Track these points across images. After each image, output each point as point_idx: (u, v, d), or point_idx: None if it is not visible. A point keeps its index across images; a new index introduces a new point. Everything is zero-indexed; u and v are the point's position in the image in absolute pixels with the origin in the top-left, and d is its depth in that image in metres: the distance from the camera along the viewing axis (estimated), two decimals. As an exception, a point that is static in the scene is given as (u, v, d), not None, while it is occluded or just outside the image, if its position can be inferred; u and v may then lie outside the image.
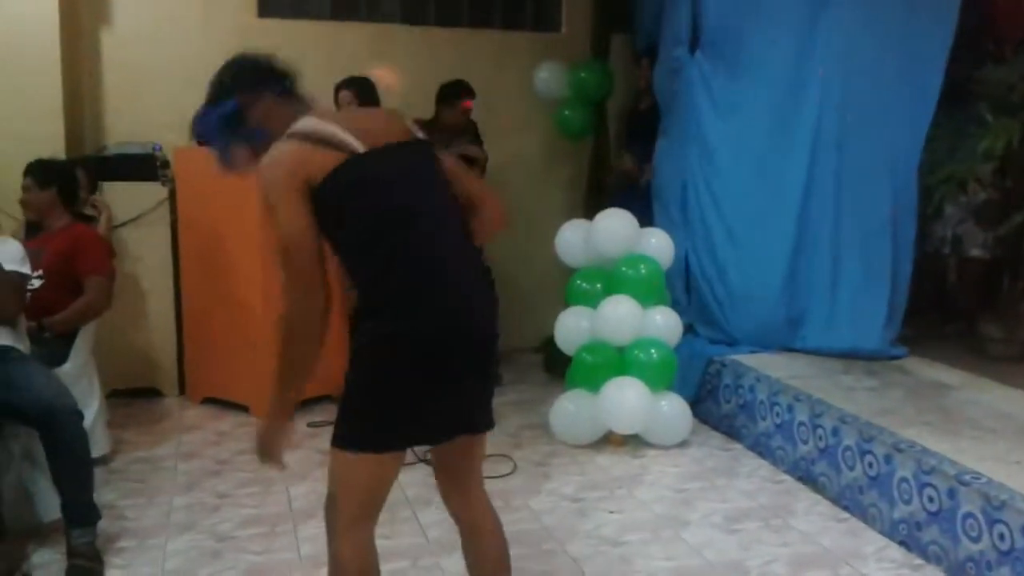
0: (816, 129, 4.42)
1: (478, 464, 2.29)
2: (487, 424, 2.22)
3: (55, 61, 4.64)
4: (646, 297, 4.18)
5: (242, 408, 4.62)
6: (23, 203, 3.96)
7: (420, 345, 1.97)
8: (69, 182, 4.00)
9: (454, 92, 5.04)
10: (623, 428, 4.08)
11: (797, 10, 4.40)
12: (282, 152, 1.99)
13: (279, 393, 2.10)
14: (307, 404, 4.62)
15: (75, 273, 3.79)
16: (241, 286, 4.52)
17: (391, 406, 2.01)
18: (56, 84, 4.64)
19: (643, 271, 4.19)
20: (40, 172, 3.92)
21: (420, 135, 2.18)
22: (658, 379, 4.11)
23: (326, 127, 2.00)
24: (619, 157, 5.56)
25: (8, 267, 3.27)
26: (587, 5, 5.91)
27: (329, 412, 4.53)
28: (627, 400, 4.02)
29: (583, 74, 5.56)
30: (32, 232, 4.00)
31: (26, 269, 3.38)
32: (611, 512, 3.46)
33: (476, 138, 5.18)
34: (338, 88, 4.71)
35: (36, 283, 3.69)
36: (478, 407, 2.18)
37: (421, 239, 2.02)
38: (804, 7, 4.38)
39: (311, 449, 4.10)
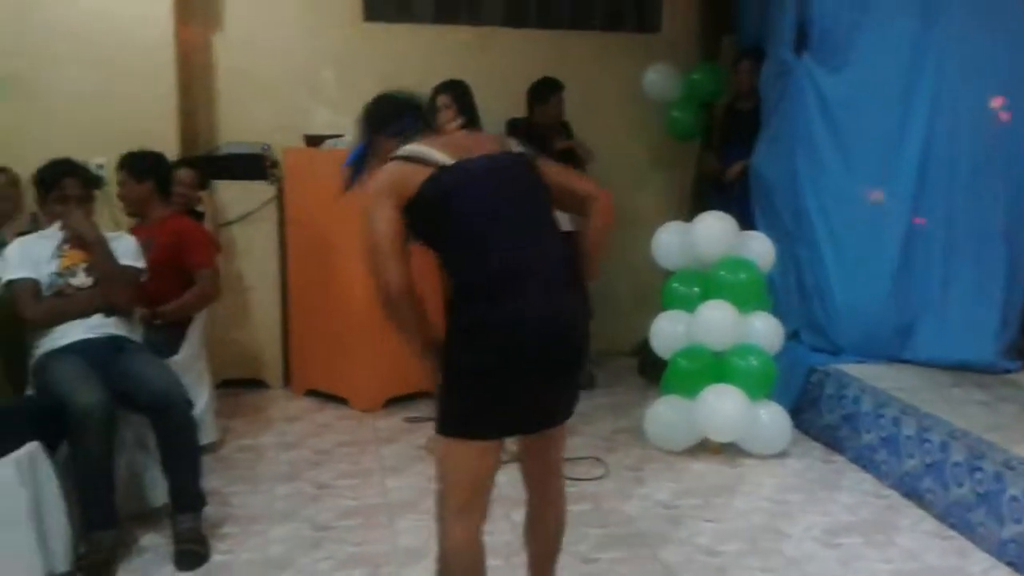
0: (928, 133, 4.28)
1: (558, 454, 2.47)
2: (565, 415, 2.37)
3: (169, 64, 4.83)
4: (745, 302, 4.11)
5: (342, 401, 4.73)
6: (121, 197, 4.01)
7: (495, 335, 2.15)
8: (164, 174, 4.06)
9: (547, 89, 5.08)
10: (720, 436, 4.03)
11: (909, 10, 4.26)
12: (383, 171, 2.30)
13: (408, 345, 2.33)
14: (405, 400, 4.73)
15: (182, 265, 3.88)
16: (344, 283, 4.63)
17: (471, 394, 2.20)
18: (171, 86, 4.83)
19: (742, 275, 4.12)
20: (134, 165, 3.94)
21: (517, 149, 2.38)
22: (757, 387, 4.04)
23: (420, 148, 2.27)
24: (704, 158, 5.48)
25: (124, 262, 3.43)
26: (689, 6, 5.85)
27: (426, 408, 4.63)
28: (724, 408, 3.96)
29: (696, 76, 5.50)
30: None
31: (141, 264, 3.53)
32: (707, 520, 3.41)
33: (569, 137, 5.18)
34: (436, 92, 4.77)
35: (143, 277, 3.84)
36: (559, 401, 2.33)
37: (502, 240, 2.21)
38: (916, 7, 4.24)
39: (407, 444, 4.18)
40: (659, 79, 5.50)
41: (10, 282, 3.26)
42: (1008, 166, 4.30)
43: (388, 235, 2.20)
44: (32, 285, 3.26)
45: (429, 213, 2.23)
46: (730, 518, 3.45)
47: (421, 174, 2.23)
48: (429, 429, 4.30)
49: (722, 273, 4.14)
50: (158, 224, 3.93)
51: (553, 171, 2.40)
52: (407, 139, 2.34)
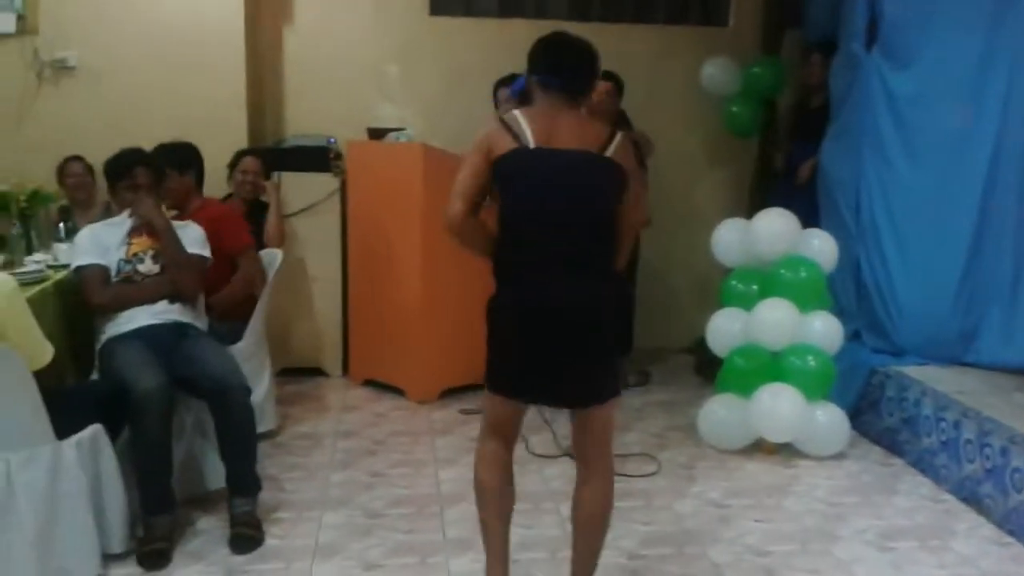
0: (999, 134, 4.15)
1: (594, 437, 2.61)
2: (589, 398, 2.53)
3: (240, 55, 4.97)
4: (805, 301, 4.06)
5: (399, 391, 4.80)
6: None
7: (511, 314, 2.50)
8: (202, 165, 4.10)
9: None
10: (775, 436, 3.98)
11: (982, 7, 4.14)
12: (488, 126, 2.55)
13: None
14: (460, 392, 4.77)
15: (222, 250, 3.88)
16: (402, 276, 4.70)
17: (494, 360, 2.59)
18: (240, 77, 4.97)
19: (803, 274, 4.06)
20: (176, 157, 3.96)
21: (607, 152, 2.49)
22: (814, 388, 3.98)
23: (518, 121, 2.49)
24: (771, 157, 5.40)
25: (191, 250, 3.53)
26: (756, 0, 5.77)
27: (480, 401, 4.67)
28: (781, 408, 3.91)
29: (756, 69, 5.42)
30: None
31: (207, 252, 3.63)
32: (757, 520, 3.38)
33: (629, 128, 5.15)
34: (497, 85, 4.81)
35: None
36: (571, 380, 2.50)
37: (538, 236, 2.45)
38: (989, 4, 4.11)
39: (461, 436, 4.22)
40: (717, 73, 5.45)
41: (79, 268, 3.39)
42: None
43: (464, 180, 2.51)
44: (100, 271, 3.38)
45: (499, 183, 2.50)
46: (781, 519, 3.42)
47: (509, 144, 2.46)
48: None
49: (782, 271, 4.08)
50: (194, 215, 3.97)
51: (630, 197, 2.54)
52: (540, 95, 2.55)
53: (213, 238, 3.82)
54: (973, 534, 3.30)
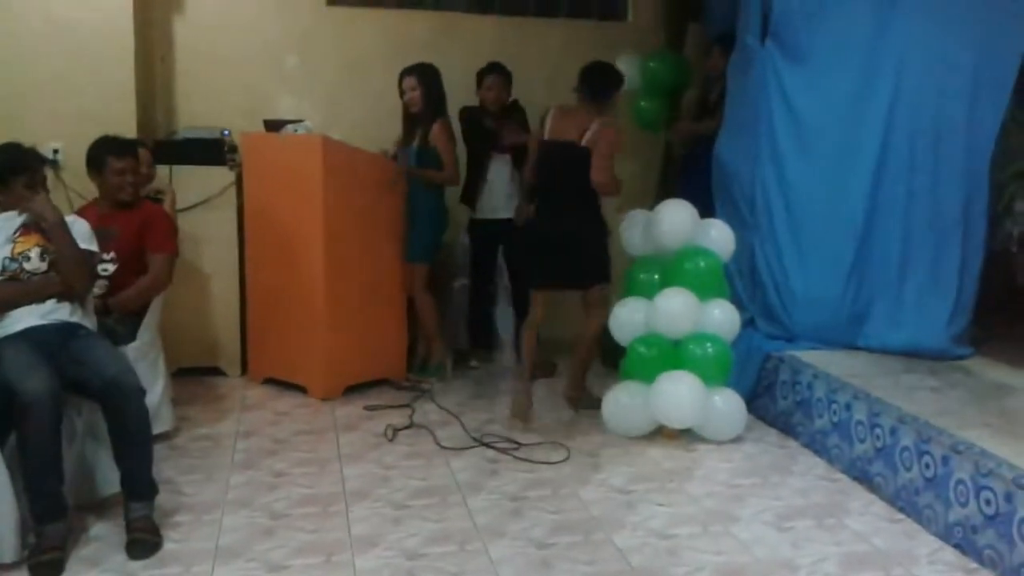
0: (887, 124, 4.31)
1: (591, 298, 4.39)
2: (588, 279, 4.34)
3: (129, 46, 4.78)
4: (703, 290, 4.15)
5: (301, 389, 4.71)
6: (128, 186, 3.89)
7: (532, 233, 4.41)
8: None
9: (482, 72, 5.13)
10: (675, 423, 4.06)
11: (869, 1, 4.29)
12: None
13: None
14: (365, 388, 4.72)
15: (141, 250, 3.87)
16: (302, 269, 4.61)
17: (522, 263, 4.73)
18: (129, 68, 4.79)
19: (702, 264, 4.15)
20: (135, 151, 3.97)
21: (580, 136, 4.20)
22: (713, 374, 4.07)
23: (550, 114, 4.35)
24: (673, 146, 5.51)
25: (84, 248, 3.39)
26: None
27: (386, 396, 4.64)
28: (680, 395, 4.00)
29: (652, 64, 5.51)
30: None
31: (93, 247, 3.49)
32: (660, 505, 3.44)
33: (524, 122, 5.18)
34: (402, 75, 4.79)
35: (111, 267, 3.80)
36: (570, 268, 4.27)
37: (549, 194, 4.33)
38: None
39: (366, 432, 4.17)
40: (624, 68, 5.50)
41: (-40, 268, 3.22)
42: (966, 156, 4.34)
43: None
44: (-20, 270, 3.22)
45: None
46: (683, 502, 3.48)
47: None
48: (389, 417, 4.32)
49: (682, 261, 4.16)
50: (129, 213, 3.92)
51: (594, 164, 4.17)
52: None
53: (139, 237, 3.81)
54: (866, 511, 3.42)
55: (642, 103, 5.59)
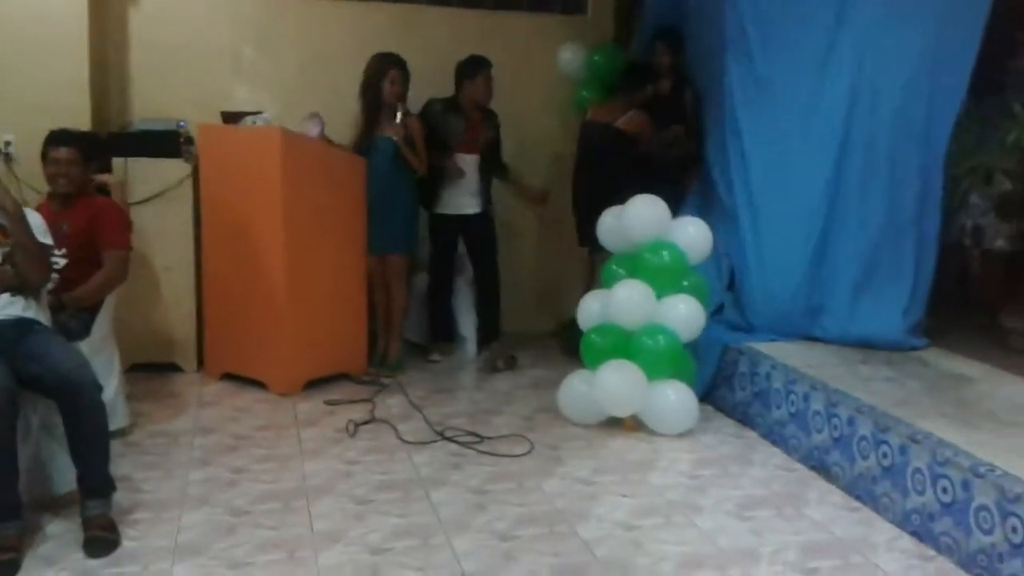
0: (846, 119, 4.35)
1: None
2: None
3: (82, 36, 4.69)
4: (665, 284, 4.17)
5: (259, 384, 4.65)
6: (66, 176, 3.79)
7: None
8: (100, 156, 4.01)
9: (476, 65, 5.06)
10: (616, 411, 4.09)
11: (826, 1, 4.35)
12: None
13: None
14: (324, 382, 4.68)
15: (97, 247, 3.81)
16: (261, 263, 4.55)
17: None
18: (83, 59, 4.70)
19: (665, 257, 4.17)
20: (86, 145, 3.88)
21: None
22: (660, 366, 4.08)
23: None
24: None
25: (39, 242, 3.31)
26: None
27: (346, 391, 4.60)
28: (617, 383, 4.02)
29: (596, 57, 5.53)
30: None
31: (48, 240, 3.42)
32: (623, 496, 3.46)
33: (495, 125, 5.17)
34: (389, 65, 4.83)
35: (61, 262, 3.72)
36: None
37: None
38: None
39: (327, 427, 4.13)
40: (571, 59, 5.54)
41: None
42: (923, 151, 4.41)
43: None
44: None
45: None
46: (646, 493, 3.50)
47: None
48: (350, 411, 4.28)
49: (646, 255, 4.19)
50: (80, 207, 3.84)
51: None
52: None
53: (89, 232, 3.75)
54: (824, 500, 3.47)
55: (583, 93, 5.60)
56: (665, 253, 4.19)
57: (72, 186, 3.83)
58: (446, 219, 5.14)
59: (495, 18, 5.72)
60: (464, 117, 5.07)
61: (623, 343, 4.14)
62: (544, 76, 5.66)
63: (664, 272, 4.18)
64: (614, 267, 4.37)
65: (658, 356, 4.07)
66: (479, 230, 5.19)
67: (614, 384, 4.02)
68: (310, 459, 3.75)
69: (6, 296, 3.21)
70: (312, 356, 4.66)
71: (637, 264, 4.23)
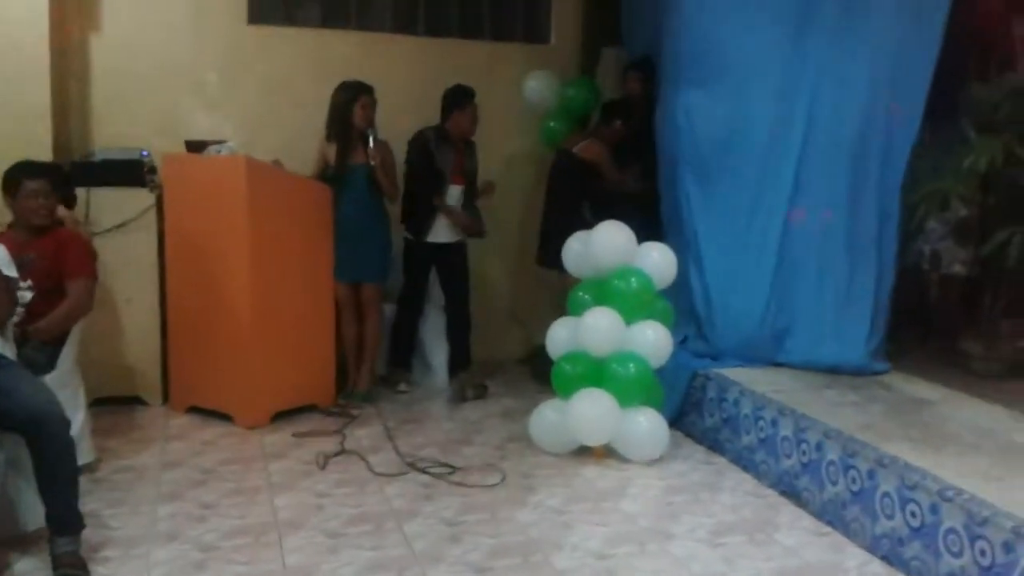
0: (802, 145, 4.45)
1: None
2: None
3: (44, 65, 4.61)
4: (633, 311, 4.19)
5: (226, 418, 4.58)
6: (45, 208, 3.76)
7: None
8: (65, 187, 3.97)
9: (466, 96, 5.05)
10: (588, 440, 4.10)
11: (782, 27, 4.41)
12: None
13: None
14: (292, 414, 4.63)
15: (63, 277, 3.75)
16: (227, 294, 4.51)
17: None
18: (44, 88, 4.62)
19: (633, 284, 4.19)
20: (57, 176, 3.87)
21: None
22: (632, 393, 4.10)
23: None
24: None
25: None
26: (576, 18, 5.94)
27: (314, 422, 4.56)
28: (590, 412, 4.03)
29: (571, 91, 5.57)
30: None
31: (12, 273, 3.36)
32: (596, 524, 3.46)
33: (473, 153, 5.18)
34: (361, 91, 4.82)
35: (28, 295, 3.66)
36: None
37: None
38: (789, 25, 4.40)
39: (296, 459, 4.09)
40: (537, 87, 5.57)
41: None
42: (880, 177, 4.51)
43: None
44: None
45: None
46: (619, 521, 3.51)
47: None
48: (319, 443, 4.25)
49: (614, 282, 4.21)
50: (45, 239, 3.79)
51: None
52: None
53: (55, 263, 3.70)
54: (795, 526, 3.51)
55: (551, 124, 5.65)
56: (633, 279, 4.22)
57: (50, 218, 3.81)
58: (422, 247, 5.11)
59: (459, 46, 5.75)
60: (452, 147, 5.07)
61: (593, 371, 4.15)
62: (508, 104, 5.70)
63: (632, 298, 4.21)
64: (581, 294, 4.40)
65: (629, 383, 4.09)
66: (454, 258, 5.17)
67: (586, 413, 4.03)
68: (280, 493, 3.71)
69: (-33, 331, 3.15)
70: (279, 388, 4.61)
71: (604, 290, 4.26)
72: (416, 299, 5.24)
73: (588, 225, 4.42)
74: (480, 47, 5.81)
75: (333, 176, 4.80)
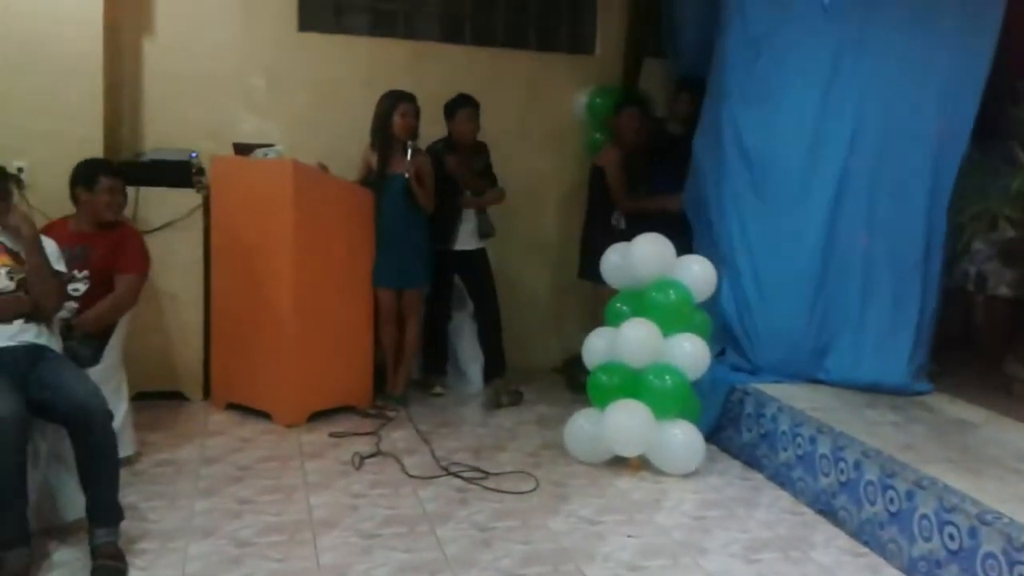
0: (847, 163, 4.41)
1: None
2: None
3: (97, 66, 4.72)
4: (671, 323, 4.18)
5: (265, 416, 4.65)
6: (119, 204, 4.02)
7: None
8: None
9: (454, 104, 5.12)
10: (623, 451, 4.09)
11: (825, 45, 4.39)
12: None
13: None
14: (330, 414, 4.68)
15: (113, 270, 3.86)
16: (270, 295, 4.57)
17: None
18: (97, 88, 4.72)
19: (672, 296, 4.19)
20: (123, 174, 4.07)
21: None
22: (668, 405, 4.08)
23: None
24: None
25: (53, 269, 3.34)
26: (620, 29, 5.95)
27: (351, 423, 4.60)
28: (626, 423, 4.02)
29: (598, 100, 5.61)
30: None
31: (62, 267, 3.46)
32: (629, 536, 3.45)
33: (488, 160, 5.21)
34: (400, 99, 4.90)
35: (82, 287, 3.76)
36: None
37: None
38: (832, 43, 4.37)
39: (332, 459, 4.13)
40: (583, 101, 5.62)
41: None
42: (927, 197, 4.45)
43: None
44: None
45: None
46: (652, 534, 3.50)
47: None
48: (355, 444, 4.28)
49: (653, 293, 4.21)
50: (107, 233, 3.93)
51: None
52: None
53: (112, 255, 3.85)
54: (830, 545, 3.46)
55: (596, 135, 5.68)
56: (672, 292, 4.21)
57: (119, 214, 4.01)
58: (443, 254, 5.15)
59: (504, 56, 5.78)
60: (458, 153, 5.11)
61: (630, 382, 4.15)
62: (551, 115, 5.72)
63: (670, 310, 4.20)
64: (619, 305, 4.40)
65: (666, 395, 4.07)
66: (475, 265, 5.21)
67: (622, 423, 4.02)
68: (315, 491, 3.75)
69: (19, 322, 3.23)
70: (318, 388, 4.66)
71: (643, 302, 4.25)
72: (442, 305, 5.28)
73: (618, 233, 4.43)
74: (526, 57, 5.83)
75: (375, 183, 4.86)
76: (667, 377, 4.10)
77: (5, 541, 2.80)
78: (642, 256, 4.28)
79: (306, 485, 3.82)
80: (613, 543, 3.39)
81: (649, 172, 5.37)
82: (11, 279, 3.24)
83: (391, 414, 4.76)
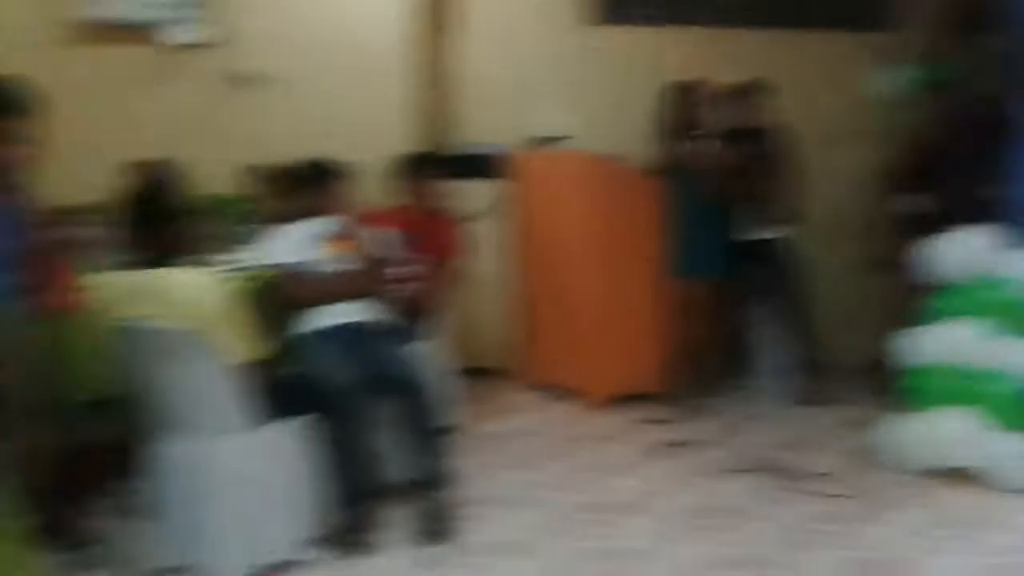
0: None
1: None
2: None
3: (405, 65, 5.10)
4: (1005, 323, 3.81)
5: (572, 395, 4.81)
6: (437, 195, 4.33)
7: None
8: None
9: (742, 90, 4.97)
10: (954, 461, 3.77)
11: None
12: None
13: None
14: (639, 399, 4.76)
15: (439, 255, 4.11)
16: (575, 280, 4.73)
17: None
18: (408, 86, 5.12)
19: (1005, 294, 3.82)
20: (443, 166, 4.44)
21: None
22: (1005, 414, 3.72)
23: None
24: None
25: (383, 253, 3.65)
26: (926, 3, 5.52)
27: (658, 411, 4.63)
28: (956, 432, 3.73)
29: (913, 75, 5.28)
30: None
31: (389, 252, 3.71)
32: (966, 554, 3.15)
33: (771, 146, 4.97)
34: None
35: (404, 271, 4.02)
36: None
37: None
38: None
39: (638, 444, 4.20)
40: (884, 79, 5.34)
41: (278, 265, 3.48)
42: None
43: None
44: (297, 269, 3.47)
45: None
46: (988, 553, 3.17)
47: None
48: (659, 432, 4.33)
49: (983, 291, 3.87)
50: (434, 220, 4.25)
51: None
52: None
53: (437, 240, 4.13)
54: None
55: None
56: (1005, 289, 3.84)
57: (439, 202, 4.31)
58: (740, 244, 4.94)
59: (799, 38, 5.59)
60: (739, 141, 4.94)
61: (958, 387, 3.83)
62: (847, 96, 5.47)
63: (1004, 310, 3.83)
64: (941, 302, 4.06)
65: (1000, 403, 3.72)
66: (772, 255, 4.97)
67: (951, 432, 3.73)
68: (622, 474, 3.83)
69: (354, 301, 3.50)
70: (627, 371, 4.74)
71: (972, 300, 3.90)
72: (743, 296, 5.10)
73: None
74: (819, 39, 5.62)
75: (670, 172, 4.82)
76: (1003, 383, 3.74)
77: (346, 499, 3.09)
78: (968, 250, 3.95)
79: (615, 466, 3.91)
80: (948, 559, 3.10)
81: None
82: (344, 263, 3.52)
83: (694, 405, 4.70)
